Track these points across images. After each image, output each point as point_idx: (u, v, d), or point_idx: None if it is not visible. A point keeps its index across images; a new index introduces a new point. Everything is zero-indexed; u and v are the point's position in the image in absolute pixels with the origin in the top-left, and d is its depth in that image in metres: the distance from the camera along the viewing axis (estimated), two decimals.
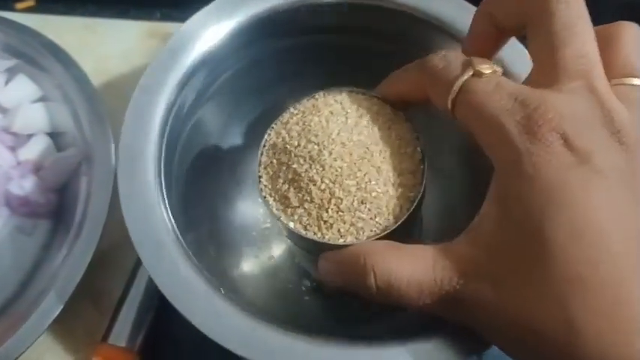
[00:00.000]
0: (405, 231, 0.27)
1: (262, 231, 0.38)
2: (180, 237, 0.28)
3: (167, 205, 0.28)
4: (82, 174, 0.38)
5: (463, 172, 0.37)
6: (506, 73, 0.25)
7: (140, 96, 0.31)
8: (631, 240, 0.20)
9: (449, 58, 0.25)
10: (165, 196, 0.29)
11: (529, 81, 0.24)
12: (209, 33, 0.33)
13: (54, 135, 0.41)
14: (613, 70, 0.23)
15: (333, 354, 0.25)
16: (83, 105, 0.39)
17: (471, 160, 0.34)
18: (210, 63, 0.33)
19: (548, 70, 0.23)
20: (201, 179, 0.35)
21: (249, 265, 0.37)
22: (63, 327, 0.36)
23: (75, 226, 0.36)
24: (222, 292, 0.26)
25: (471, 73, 0.24)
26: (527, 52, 0.31)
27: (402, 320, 0.31)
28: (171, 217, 0.28)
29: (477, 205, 0.24)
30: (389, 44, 0.36)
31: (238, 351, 0.25)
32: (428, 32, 0.34)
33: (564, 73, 0.22)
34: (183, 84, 0.31)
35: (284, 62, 0.36)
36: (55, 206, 0.39)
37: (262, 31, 0.34)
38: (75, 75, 0.40)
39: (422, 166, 0.27)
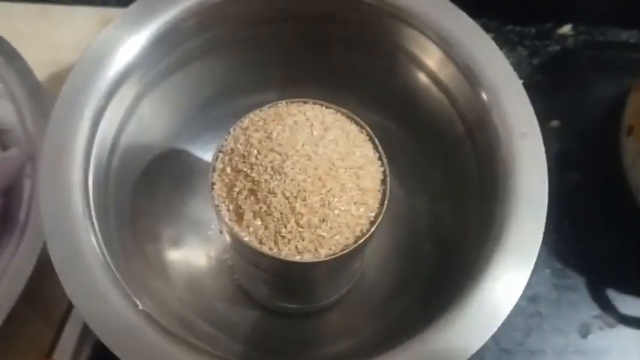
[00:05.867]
0: (361, 250, 0.26)
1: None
2: (104, 248, 0.26)
3: (92, 211, 0.26)
4: (27, 176, 0.36)
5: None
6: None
7: (69, 94, 0.29)
8: None
9: None
10: (91, 201, 0.27)
11: None
12: (143, 31, 0.30)
13: None
14: None
15: None
16: (27, 101, 0.36)
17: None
18: (144, 61, 0.31)
19: None
20: (152, 175, 0.34)
21: (199, 265, 0.36)
22: (8, 340, 0.34)
23: (18, 230, 0.34)
24: (140, 307, 0.25)
25: None
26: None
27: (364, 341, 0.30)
28: (96, 226, 0.26)
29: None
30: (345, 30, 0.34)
31: None
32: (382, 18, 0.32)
33: None
34: (118, 81, 0.29)
35: (233, 54, 0.34)
36: (0, 210, 0.37)
37: (203, 23, 0.32)
38: (18, 68, 0.37)
39: (384, 187, 0.26)
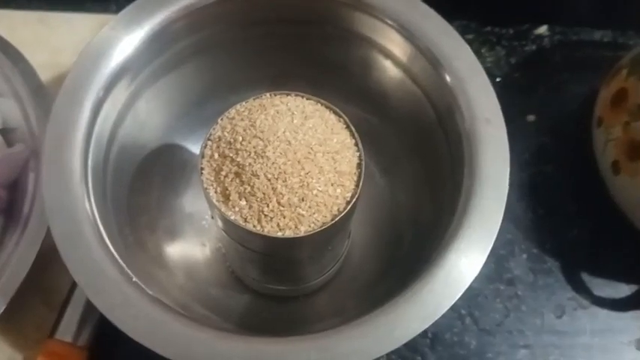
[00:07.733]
0: (340, 227, 0.28)
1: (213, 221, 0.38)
2: (100, 226, 0.28)
3: (90, 194, 0.28)
4: (30, 170, 0.38)
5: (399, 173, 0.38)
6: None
7: (70, 86, 0.30)
8: None
9: None
10: (90, 185, 0.29)
11: None
12: (138, 31, 0.32)
13: (3, 131, 0.40)
14: None
15: (235, 346, 0.25)
16: (31, 100, 0.39)
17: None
18: (139, 59, 0.33)
19: None
20: (148, 169, 0.35)
21: (195, 255, 0.38)
22: (13, 325, 0.36)
23: (22, 221, 0.36)
24: (134, 279, 0.27)
25: None
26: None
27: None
28: (94, 207, 0.28)
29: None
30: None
31: (142, 341, 0.25)
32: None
33: None
34: (116, 77, 0.31)
35: (222, 54, 0.36)
36: (6, 202, 0.39)
37: (193, 24, 0.34)
38: (23, 69, 0.39)
39: (359, 170, 0.28)
